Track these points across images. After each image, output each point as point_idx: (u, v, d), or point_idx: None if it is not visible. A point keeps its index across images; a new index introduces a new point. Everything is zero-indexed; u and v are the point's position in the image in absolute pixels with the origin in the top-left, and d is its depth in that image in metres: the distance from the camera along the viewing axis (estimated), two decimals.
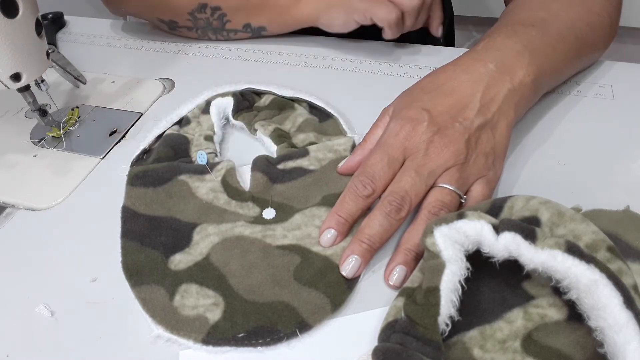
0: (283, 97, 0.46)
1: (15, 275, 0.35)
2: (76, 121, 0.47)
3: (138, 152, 0.42)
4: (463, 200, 0.33)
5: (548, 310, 0.27)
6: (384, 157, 0.34)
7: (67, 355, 0.30)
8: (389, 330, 0.27)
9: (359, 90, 0.49)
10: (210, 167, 0.39)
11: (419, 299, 0.27)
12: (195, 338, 0.29)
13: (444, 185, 0.33)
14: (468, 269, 0.27)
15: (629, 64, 0.49)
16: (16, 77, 0.39)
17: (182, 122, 0.44)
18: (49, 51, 0.43)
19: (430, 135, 0.34)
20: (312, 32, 0.56)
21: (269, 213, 0.36)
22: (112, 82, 0.53)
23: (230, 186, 0.38)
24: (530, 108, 0.41)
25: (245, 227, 0.35)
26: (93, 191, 0.41)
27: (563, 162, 0.39)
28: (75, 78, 0.52)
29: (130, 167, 0.40)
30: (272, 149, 0.42)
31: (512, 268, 0.27)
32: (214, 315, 0.30)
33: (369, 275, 0.32)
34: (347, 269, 0.31)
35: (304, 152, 0.40)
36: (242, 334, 0.29)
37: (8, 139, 0.46)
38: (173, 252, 0.34)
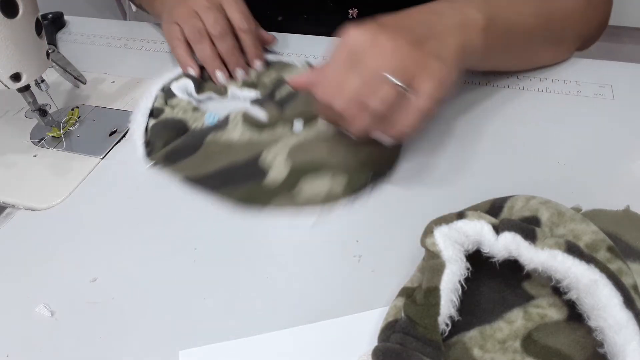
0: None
1: (15, 275, 0.35)
2: (76, 121, 0.47)
3: (141, 147, 0.43)
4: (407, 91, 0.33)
5: (548, 310, 0.27)
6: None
7: (67, 355, 0.30)
8: (389, 330, 0.27)
9: None
10: (221, 123, 0.43)
11: (419, 299, 0.27)
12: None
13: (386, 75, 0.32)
14: (468, 269, 0.27)
15: (629, 64, 0.49)
16: (16, 77, 0.39)
17: (154, 113, 0.46)
18: (49, 51, 0.43)
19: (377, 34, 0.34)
20: (312, 32, 0.56)
21: (298, 125, 0.42)
22: (112, 82, 0.53)
23: (254, 122, 0.43)
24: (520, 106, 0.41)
25: (292, 137, 0.41)
26: (93, 191, 0.41)
27: (563, 162, 0.39)
28: (75, 78, 0.52)
29: (149, 158, 0.43)
30: (250, 95, 0.46)
31: (512, 268, 0.27)
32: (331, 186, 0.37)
33: (369, 275, 0.32)
34: None
35: (283, 81, 0.47)
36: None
37: (8, 139, 0.46)
38: (262, 179, 0.39)
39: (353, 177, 0.38)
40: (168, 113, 0.46)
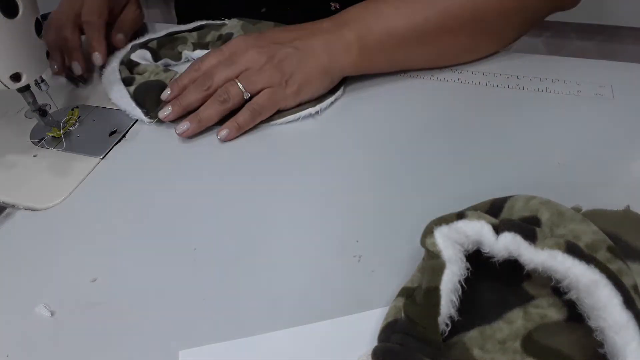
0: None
1: (15, 275, 0.35)
2: (76, 121, 0.47)
3: (136, 109, 0.47)
4: (246, 97, 0.44)
5: (548, 311, 0.27)
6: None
7: (67, 355, 0.30)
8: (389, 330, 0.27)
9: (359, 90, 0.49)
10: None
11: (418, 299, 0.27)
12: None
13: (236, 80, 0.44)
14: (468, 269, 0.27)
15: (629, 64, 0.49)
16: (16, 77, 0.39)
17: (126, 83, 0.49)
18: (49, 51, 0.43)
19: (248, 46, 0.45)
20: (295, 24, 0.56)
21: None
22: None
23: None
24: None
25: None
26: (93, 191, 0.41)
27: (563, 162, 0.39)
28: (75, 78, 0.52)
29: (149, 117, 0.47)
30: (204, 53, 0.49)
31: (512, 268, 0.27)
32: None
33: (368, 275, 0.32)
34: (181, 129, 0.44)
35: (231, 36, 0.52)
36: None
37: (8, 139, 0.46)
38: None
39: None
40: (140, 79, 0.49)
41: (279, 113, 0.46)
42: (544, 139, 0.41)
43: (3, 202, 0.40)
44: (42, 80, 0.43)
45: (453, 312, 0.26)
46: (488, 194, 0.32)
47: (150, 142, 0.46)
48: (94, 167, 0.43)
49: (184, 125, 0.44)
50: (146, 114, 0.47)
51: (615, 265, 0.25)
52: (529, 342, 0.26)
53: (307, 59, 0.44)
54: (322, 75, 0.45)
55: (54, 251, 0.36)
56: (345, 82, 0.49)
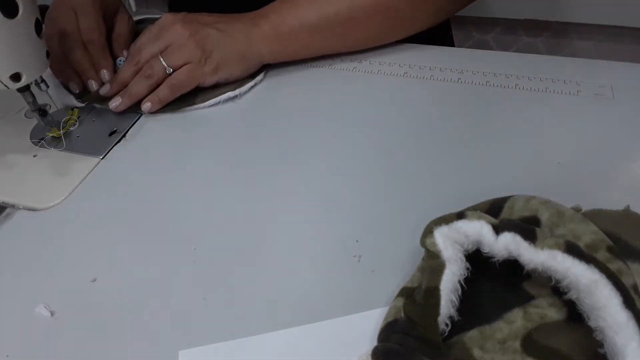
0: None
1: (15, 275, 0.35)
2: (76, 121, 0.47)
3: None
4: (169, 72, 0.47)
5: (548, 311, 0.27)
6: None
7: (67, 355, 0.30)
8: (389, 330, 0.27)
9: (359, 90, 0.49)
10: None
11: (418, 299, 0.27)
12: None
13: (159, 56, 0.47)
14: (468, 269, 0.27)
15: (629, 64, 0.49)
16: (16, 77, 0.39)
17: None
18: (49, 51, 0.43)
19: (175, 21, 0.48)
20: None
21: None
22: None
23: None
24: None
25: None
26: (93, 191, 0.41)
27: (563, 162, 0.39)
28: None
29: (81, 100, 0.50)
30: None
31: (512, 268, 0.27)
32: None
33: (368, 275, 0.32)
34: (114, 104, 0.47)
35: None
36: None
37: (8, 139, 0.46)
38: None
39: None
40: None
41: (202, 96, 0.49)
42: (544, 139, 0.41)
43: (3, 202, 0.40)
44: (42, 80, 0.43)
45: (453, 312, 0.26)
46: (488, 194, 0.32)
47: (150, 142, 0.46)
48: (94, 167, 0.43)
49: (116, 101, 0.48)
50: (79, 96, 0.50)
51: (615, 265, 0.25)
52: (528, 342, 0.26)
53: (227, 41, 0.48)
54: (240, 58, 0.49)
55: (54, 251, 0.36)
56: (266, 68, 0.52)
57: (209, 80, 0.48)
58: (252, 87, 0.50)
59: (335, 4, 0.48)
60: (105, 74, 0.51)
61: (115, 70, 0.52)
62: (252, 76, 0.51)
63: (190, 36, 0.47)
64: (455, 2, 0.52)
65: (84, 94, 0.51)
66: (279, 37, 0.49)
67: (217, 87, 0.50)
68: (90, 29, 0.51)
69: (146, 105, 0.47)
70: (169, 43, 0.47)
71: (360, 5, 0.48)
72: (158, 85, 0.48)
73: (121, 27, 0.54)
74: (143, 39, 0.50)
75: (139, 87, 0.48)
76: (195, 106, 0.48)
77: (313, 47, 0.51)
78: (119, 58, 0.53)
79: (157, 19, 0.52)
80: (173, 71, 0.47)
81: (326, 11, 0.48)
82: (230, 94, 0.49)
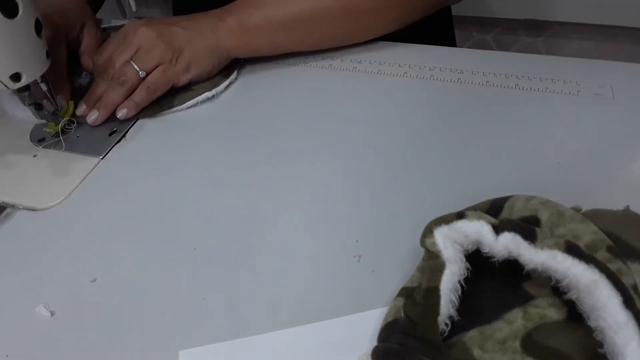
0: None
1: (15, 275, 0.35)
2: (73, 122, 0.47)
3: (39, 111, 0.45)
4: (142, 75, 0.47)
5: (548, 310, 0.27)
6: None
7: (67, 355, 0.30)
8: (389, 330, 0.27)
9: (359, 90, 0.49)
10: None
11: (418, 299, 0.27)
12: None
13: (130, 61, 0.47)
14: (468, 269, 0.27)
15: (629, 64, 0.49)
16: (16, 77, 0.39)
17: None
18: (49, 51, 0.43)
19: (139, 25, 0.48)
20: None
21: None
22: None
23: None
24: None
25: None
26: (93, 191, 0.41)
27: (563, 162, 0.39)
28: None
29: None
30: None
31: (512, 268, 0.27)
32: None
33: (368, 275, 0.32)
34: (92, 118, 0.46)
35: None
36: None
37: (8, 139, 0.46)
38: None
39: None
40: None
41: (179, 98, 0.49)
42: (544, 139, 0.41)
43: (3, 202, 0.40)
44: (42, 80, 0.43)
45: (453, 312, 0.26)
46: (488, 194, 0.32)
47: (150, 142, 0.46)
48: (94, 167, 0.43)
49: (93, 115, 0.46)
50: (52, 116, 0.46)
51: (615, 265, 0.25)
52: (528, 342, 0.26)
53: (195, 37, 0.48)
54: (210, 53, 0.49)
55: (54, 251, 0.36)
56: (238, 66, 0.53)
57: (183, 79, 0.48)
58: (227, 86, 0.51)
59: (299, 3, 0.49)
60: (60, 98, 0.48)
61: (78, 84, 0.52)
62: (227, 75, 0.51)
63: (158, 37, 0.47)
64: (419, 9, 0.52)
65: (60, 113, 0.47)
66: (244, 31, 0.49)
67: (193, 89, 0.49)
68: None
69: (122, 112, 0.46)
70: (137, 47, 0.47)
71: (323, 7, 0.49)
72: (133, 91, 0.47)
73: (88, 41, 0.53)
74: (111, 47, 0.49)
75: (113, 95, 0.47)
76: (174, 109, 0.48)
77: (278, 43, 0.51)
78: (84, 72, 0.53)
79: (120, 26, 0.53)
80: (146, 74, 0.47)
81: (290, 9, 0.49)
82: (207, 94, 0.49)
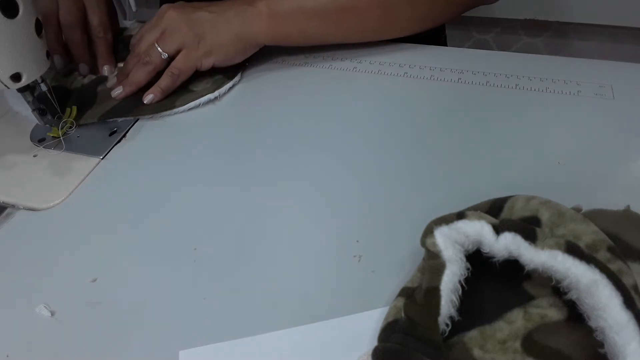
0: None
1: (15, 275, 0.35)
2: (73, 123, 0.47)
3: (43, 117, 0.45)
4: (164, 57, 0.48)
5: (548, 311, 0.27)
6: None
7: (67, 355, 0.30)
8: (389, 330, 0.27)
9: (359, 90, 0.49)
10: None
11: (419, 299, 0.27)
12: None
13: (155, 43, 0.48)
14: (468, 269, 0.27)
15: (629, 64, 0.49)
16: (16, 77, 0.39)
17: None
18: (49, 51, 0.43)
19: (169, 7, 0.49)
20: None
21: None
22: None
23: None
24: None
25: None
26: (93, 191, 0.41)
27: (563, 162, 0.39)
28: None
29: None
30: None
31: (513, 268, 0.27)
32: None
33: (368, 275, 0.32)
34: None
35: None
36: None
37: (8, 139, 0.46)
38: None
39: None
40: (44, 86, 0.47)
41: (181, 100, 0.49)
42: (544, 139, 0.41)
43: (3, 202, 0.40)
44: (42, 80, 0.43)
45: (453, 312, 0.26)
46: (488, 194, 0.32)
47: (150, 142, 0.46)
48: (94, 167, 0.43)
49: (118, 89, 0.49)
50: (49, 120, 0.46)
51: (615, 265, 0.25)
52: (529, 342, 0.26)
53: (220, 22, 0.48)
54: (235, 39, 0.49)
55: (54, 251, 0.36)
56: (242, 68, 0.53)
57: (205, 64, 0.49)
58: (230, 87, 0.50)
59: None
60: (107, 69, 0.53)
61: (80, 84, 0.53)
62: (230, 77, 0.51)
63: (182, 21, 0.48)
64: (454, 6, 0.52)
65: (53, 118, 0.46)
66: (274, 17, 0.48)
67: (195, 90, 0.49)
68: (104, 27, 0.53)
69: (149, 97, 0.48)
70: (163, 29, 0.49)
71: None
72: (157, 71, 0.49)
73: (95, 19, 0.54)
74: (142, 30, 0.51)
75: (138, 74, 0.49)
76: (175, 110, 0.48)
77: (307, 32, 0.50)
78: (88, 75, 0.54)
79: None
80: (168, 56, 0.48)
81: None
82: (210, 96, 0.49)
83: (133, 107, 0.48)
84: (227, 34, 0.48)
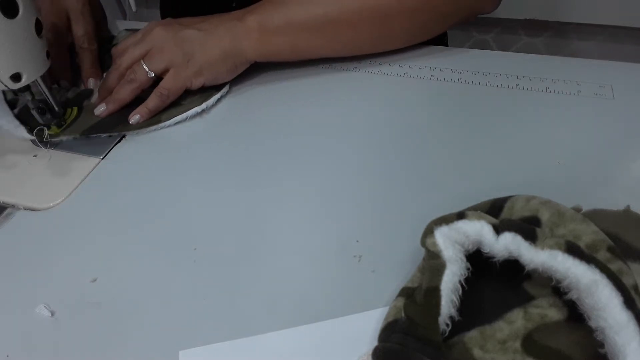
0: None
1: (15, 275, 0.35)
2: (73, 123, 0.47)
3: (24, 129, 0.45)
4: (150, 76, 0.47)
5: (548, 311, 0.27)
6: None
7: (67, 355, 0.30)
8: (389, 330, 0.27)
9: (359, 90, 0.49)
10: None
11: (419, 299, 0.27)
12: None
13: (141, 60, 0.47)
14: (468, 269, 0.27)
15: (629, 64, 0.49)
16: (16, 77, 0.39)
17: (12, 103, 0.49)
18: (49, 51, 0.43)
19: (156, 25, 0.48)
20: None
21: None
22: None
23: None
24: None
25: None
26: (93, 191, 0.41)
27: (563, 162, 0.39)
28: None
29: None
30: None
31: (513, 268, 0.27)
32: None
33: (368, 275, 0.32)
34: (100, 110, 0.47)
35: None
36: None
37: (8, 139, 0.46)
38: None
39: None
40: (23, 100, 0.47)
41: (167, 114, 0.47)
42: (544, 139, 0.41)
43: (3, 202, 0.40)
44: (43, 81, 0.43)
45: (453, 312, 0.26)
46: (488, 194, 0.32)
47: (150, 142, 0.46)
48: (94, 167, 0.43)
49: (102, 107, 0.48)
50: (29, 131, 0.45)
51: (615, 265, 0.25)
52: (529, 342, 0.26)
53: (209, 40, 0.47)
54: (225, 57, 0.47)
55: (54, 251, 0.36)
56: (230, 80, 0.51)
57: (195, 83, 0.48)
58: (218, 99, 0.49)
59: (324, 5, 0.47)
60: (92, 82, 0.52)
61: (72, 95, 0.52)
62: (218, 89, 0.49)
63: (171, 39, 0.47)
64: (449, 19, 0.51)
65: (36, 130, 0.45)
66: (265, 32, 0.47)
67: (182, 104, 0.48)
68: (88, 39, 0.52)
69: (135, 118, 0.46)
70: (150, 47, 0.47)
71: (350, 9, 0.47)
72: (142, 90, 0.47)
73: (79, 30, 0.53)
74: (128, 42, 0.49)
75: (122, 92, 0.47)
76: (161, 124, 0.47)
77: (299, 46, 0.49)
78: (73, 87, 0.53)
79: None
80: (155, 75, 0.47)
81: (315, 11, 0.47)
82: (197, 109, 0.47)
83: (118, 123, 0.47)
84: (217, 52, 0.47)
